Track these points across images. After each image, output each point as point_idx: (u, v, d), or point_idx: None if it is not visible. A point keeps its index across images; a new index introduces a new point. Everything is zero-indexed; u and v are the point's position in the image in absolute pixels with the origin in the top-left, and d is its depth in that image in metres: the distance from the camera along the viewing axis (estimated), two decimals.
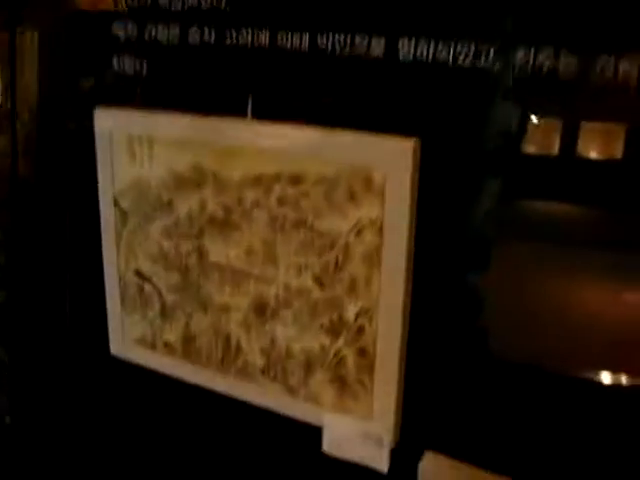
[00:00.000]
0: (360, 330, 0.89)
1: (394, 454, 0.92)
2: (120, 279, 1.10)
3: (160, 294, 1.06)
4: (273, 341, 0.97)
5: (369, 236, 0.85)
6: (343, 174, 0.85)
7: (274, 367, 0.98)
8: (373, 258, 0.86)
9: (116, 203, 1.07)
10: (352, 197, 0.86)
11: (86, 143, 1.07)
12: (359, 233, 0.86)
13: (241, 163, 0.93)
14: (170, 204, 1.01)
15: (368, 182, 0.84)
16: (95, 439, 1.26)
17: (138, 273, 1.08)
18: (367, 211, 0.85)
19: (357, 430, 0.94)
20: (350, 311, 0.89)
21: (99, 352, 1.15)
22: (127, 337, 1.13)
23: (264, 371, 0.99)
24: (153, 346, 1.10)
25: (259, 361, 0.99)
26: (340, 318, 0.90)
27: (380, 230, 0.85)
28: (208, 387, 1.05)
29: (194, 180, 0.97)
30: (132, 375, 1.13)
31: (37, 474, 1.31)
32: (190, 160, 0.97)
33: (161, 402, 1.14)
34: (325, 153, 0.87)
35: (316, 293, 0.91)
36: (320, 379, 0.94)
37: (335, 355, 0.92)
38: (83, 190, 1.11)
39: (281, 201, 0.91)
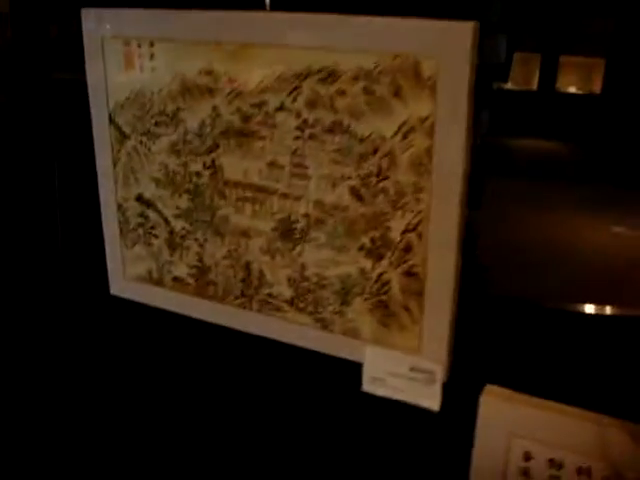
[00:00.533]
0: (407, 249, 0.78)
1: (446, 390, 0.81)
2: (119, 208, 0.97)
3: (167, 222, 0.93)
4: (303, 268, 0.84)
5: (418, 138, 0.73)
6: (386, 66, 0.73)
7: (304, 298, 0.86)
8: (423, 163, 0.74)
9: (112, 120, 0.93)
10: (397, 93, 0.73)
11: (73, 51, 0.92)
12: (406, 135, 0.74)
13: (260, 62, 0.80)
14: (177, 116, 0.87)
15: (417, 74, 0.72)
16: (99, 389, 1.13)
17: (140, 199, 0.94)
18: (415, 109, 0.73)
19: (403, 364, 0.83)
20: (395, 227, 0.78)
21: (97, 292, 1.02)
22: (129, 274, 1.00)
23: (292, 303, 0.87)
24: (160, 282, 0.97)
25: (286, 292, 0.87)
26: (383, 236, 0.78)
27: (431, 130, 0.73)
28: (227, 325, 0.93)
29: (205, 86, 0.84)
30: (137, 316, 1.01)
31: (34, 425, 1.18)
32: (200, 63, 0.83)
33: (172, 345, 1.02)
34: (364, 42, 0.74)
35: (354, 209, 0.79)
36: (359, 308, 0.83)
37: (377, 280, 0.81)
38: (71, 107, 0.97)
39: (311, 103, 0.78)
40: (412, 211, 0.76)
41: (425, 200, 0.75)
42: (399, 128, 0.74)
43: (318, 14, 0.76)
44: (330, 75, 0.76)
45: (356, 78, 0.75)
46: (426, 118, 0.72)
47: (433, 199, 0.75)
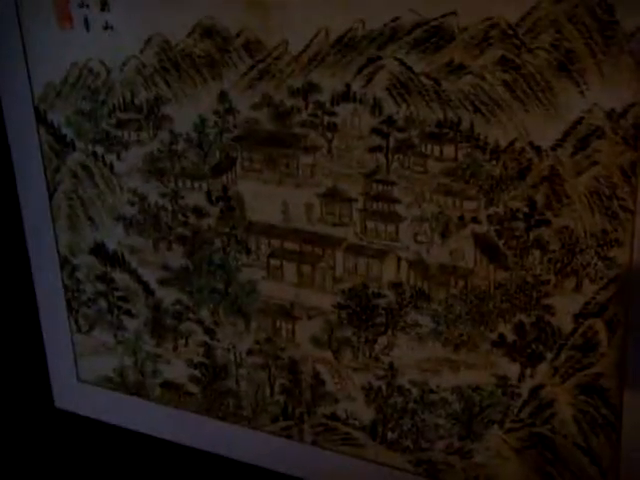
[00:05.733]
0: (587, 346, 0.64)
1: None
2: (63, 265, 0.83)
3: (148, 290, 0.80)
4: (392, 373, 0.71)
5: (607, 149, 0.58)
6: (543, 16, 0.57)
7: (394, 423, 0.73)
8: (617, 196, 0.60)
9: (41, 118, 0.79)
10: (565, 66, 0.58)
11: None
12: (582, 145, 0.59)
13: (303, 14, 0.65)
14: (155, 111, 0.73)
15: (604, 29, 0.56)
16: None
17: (99, 252, 0.81)
18: (602, 95, 0.57)
19: None
20: (562, 309, 0.64)
21: (39, 405, 0.89)
22: (85, 375, 0.87)
23: (373, 431, 0.74)
24: (140, 390, 0.84)
25: (363, 413, 0.74)
26: (540, 323, 0.65)
27: (636, 133, 0.57)
28: (257, 464, 0.80)
29: (205, 57, 0.70)
30: (99, 443, 0.88)
31: None
32: (193, 17, 0.69)
33: None
34: None
35: (486, 274, 0.65)
36: (494, 443, 0.70)
37: (531, 397, 0.67)
38: None
39: (399, 87, 0.63)
40: (596, 280, 0.61)
41: (621, 261, 0.61)
42: (568, 131, 0.59)
43: None
44: (435, 35, 0.61)
45: (486, 41, 0.59)
46: (625, 111, 0.57)
47: (636, 259, 0.60)
